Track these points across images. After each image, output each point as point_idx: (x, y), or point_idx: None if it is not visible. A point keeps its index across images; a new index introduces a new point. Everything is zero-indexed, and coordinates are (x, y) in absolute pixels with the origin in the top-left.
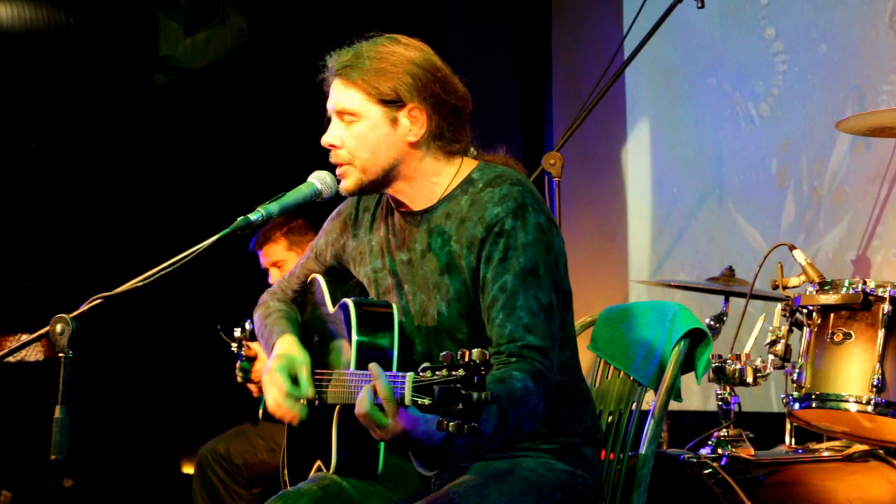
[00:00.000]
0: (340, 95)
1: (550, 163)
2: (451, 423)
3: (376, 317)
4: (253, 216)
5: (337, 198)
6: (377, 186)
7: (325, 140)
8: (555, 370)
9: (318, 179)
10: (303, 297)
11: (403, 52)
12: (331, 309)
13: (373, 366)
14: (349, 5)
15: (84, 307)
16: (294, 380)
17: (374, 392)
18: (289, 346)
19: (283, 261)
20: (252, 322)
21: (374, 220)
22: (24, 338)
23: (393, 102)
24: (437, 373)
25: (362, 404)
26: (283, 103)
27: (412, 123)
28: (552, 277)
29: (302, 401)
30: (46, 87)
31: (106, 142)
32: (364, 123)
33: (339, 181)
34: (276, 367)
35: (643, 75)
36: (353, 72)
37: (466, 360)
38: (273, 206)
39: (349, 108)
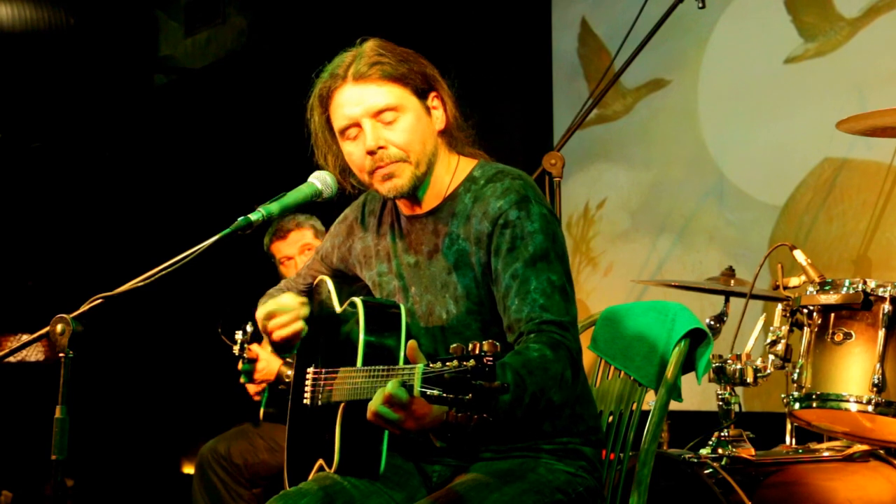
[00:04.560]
0: (377, 95)
1: (551, 163)
2: (460, 414)
3: (384, 316)
4: (253, 216)
5: (335, 199)
6: (422, 180)
7: (373, 143)
8: (577, 342)
9: (319, 179)
10: (309, 297)
11: (402, 48)
12: (338, 308)
13: (413, 345)
14: (348, 6)
15: (84, 307)
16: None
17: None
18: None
19: (311, 245)
20: (253, 324)
21: (380, 225)
22: (25, 338)
23: (423, 91)
24: (447, 364)
25: (393, 384)
26: (284, 103)
27: (437, 111)
28: (562, 264)
29: (297, 312)
30: (47, 87)
31: (106, 142)
32: (409, 116)
33: (376, 184)
34: (260, 312)
35: (643, 74)
36: (383, 69)
37: (477, 351)
38: (273, 206)
39: (392, 103)
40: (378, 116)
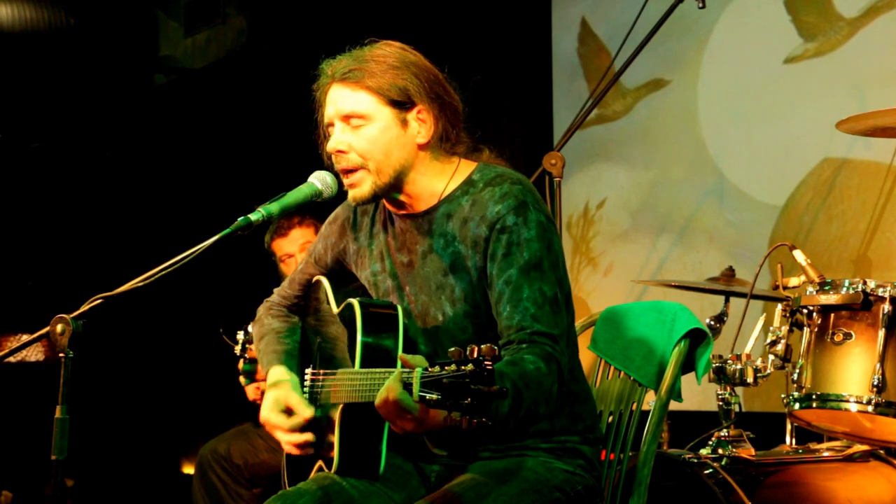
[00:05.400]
0: (348, 99)
1: (551, 163)
2: (459, 419)
3: (381, 318)
4: (253, 216)
5: (336, 199)
6: (388, 190)
7: (332, 146)
8: (565, 356)
9: (319, 179)
10: (305, 300)
11: (406, 56)
12: (335, 310)
13: (406, 357)
14: (349, 6)
15: (84, 307)
16: (289, 411)
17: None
18: (276, 377)
19: (312, 243)
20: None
21: (373, 224)
22: (25, 338)
23: (402, 104)
24: (446, 368)
25: (393, 390)
26: (283, 103)
27: (421, 125)
28: (555, 273)
29: (305, 419)
30: (47, 87)
31: (106, 142)
32: (375, 126)
33: (347, 190)
34: (267, 411)
35: (643, 74)
36: (360, 75)
37: (475, 355)
38: (273, 206)
39: (358, 111)
40: (347, 121)
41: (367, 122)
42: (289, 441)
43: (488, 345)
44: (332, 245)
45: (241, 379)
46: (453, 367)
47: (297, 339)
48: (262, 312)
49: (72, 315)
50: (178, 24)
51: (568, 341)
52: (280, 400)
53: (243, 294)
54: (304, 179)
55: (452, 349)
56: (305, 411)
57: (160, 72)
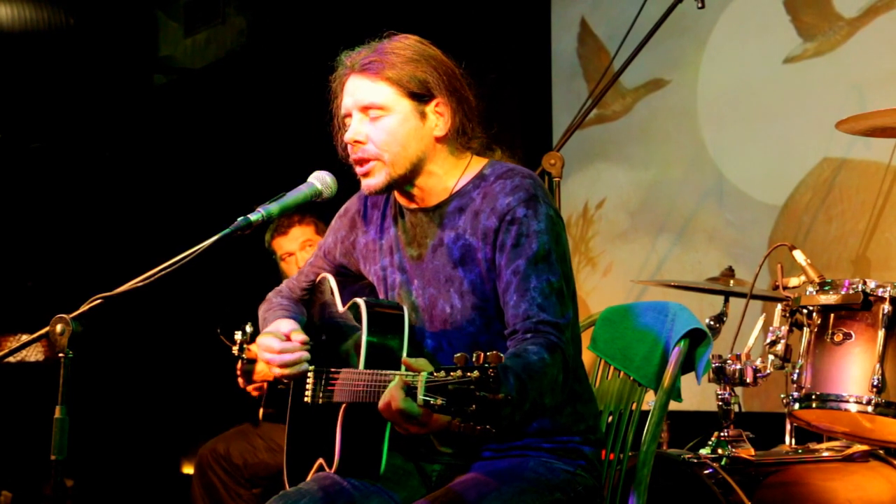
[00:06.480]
0: (367, 90)
1: (550, 163)
2: (463, 425)
3: (387, 318)
4: (253, 216)
5: (336, 198)
6: (402, 182)
7: (350, 136)
8: (570, 346)
9: (318, 179)
10: (311, 295)
11: (425, 49)
12: (340, 308)
13: (410, 360)
14: (349, 6)
15: (84, 307)
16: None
17: (405, 386)
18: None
19: (312, 241)
20: (252, 324)
21: (384, 219)
22: (24, 338)
23: (421, 96)
24: (451, 374)
25: (396, 399)
26: (283, 103)
27: (438, 118)
28: (562, 267)
29: (300, 342)
30: (46, 87)
31: (106, 142)
32: (394, 117)
33: (361, 180)
34: (262, 336)
35: (643, 74)
36: (380, 66)
37: (481, 361)
38: (273, 207)
39: (378, 102)
40: (366, 111)
41: (385, 114)
42: (280, 361)
43: (494, 352)
44: (342, 238)
45: (240, 380)
46: (459, 372)
47: (303, 320)
48: (271, 295)
49: (72, 315)
50: (177, 24)
51: (572, 337)
52: (279, 331)
53: (242, 295)
54: (304, 179)
55: (458, 355)
56: (300, 335)
57: (160, 72)
